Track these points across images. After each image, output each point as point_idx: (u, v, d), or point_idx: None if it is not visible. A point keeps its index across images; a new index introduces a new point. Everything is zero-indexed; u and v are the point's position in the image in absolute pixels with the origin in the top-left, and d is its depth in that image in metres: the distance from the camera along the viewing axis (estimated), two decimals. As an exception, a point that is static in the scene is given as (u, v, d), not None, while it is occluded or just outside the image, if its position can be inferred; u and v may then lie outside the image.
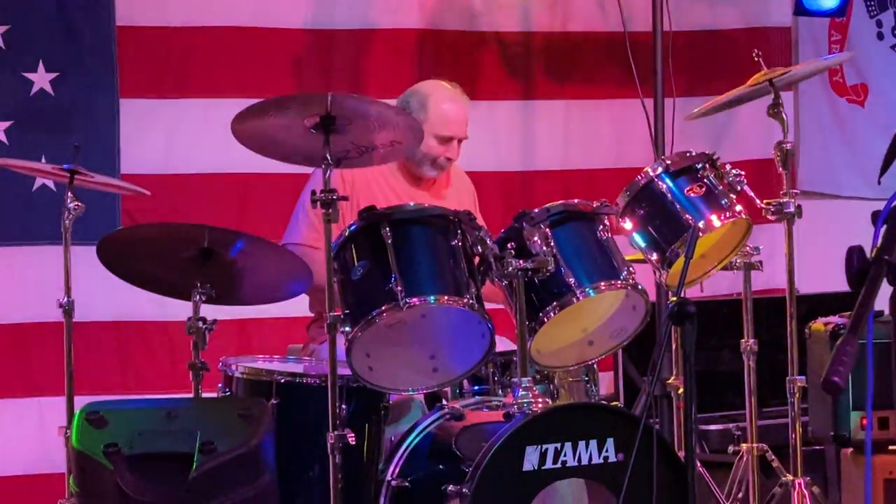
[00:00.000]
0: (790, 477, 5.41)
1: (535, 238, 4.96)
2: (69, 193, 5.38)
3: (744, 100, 5.76)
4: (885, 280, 2.64)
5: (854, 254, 2.65)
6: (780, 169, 5.51)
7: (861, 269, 2.62)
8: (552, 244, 4.97)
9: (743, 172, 5.25)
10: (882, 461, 3.83)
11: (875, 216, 2.66)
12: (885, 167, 2.77)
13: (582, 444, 4.70)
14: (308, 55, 6.95)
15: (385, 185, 5.80)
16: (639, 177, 5.21)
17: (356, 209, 5.04)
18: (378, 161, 5.29)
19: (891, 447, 3.34)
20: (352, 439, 4.82)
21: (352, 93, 6.76)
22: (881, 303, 2.68)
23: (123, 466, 4.53)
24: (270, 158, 5.13)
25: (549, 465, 4.67)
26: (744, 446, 5.65)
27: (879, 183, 2.80)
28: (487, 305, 4.95)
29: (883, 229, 2.64)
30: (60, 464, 5.62)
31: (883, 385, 2.71)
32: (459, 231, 4.92)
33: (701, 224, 5.09)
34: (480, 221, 5.43)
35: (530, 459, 4.66)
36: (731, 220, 5.17)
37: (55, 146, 6.26)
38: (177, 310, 5.58)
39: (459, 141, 5.82)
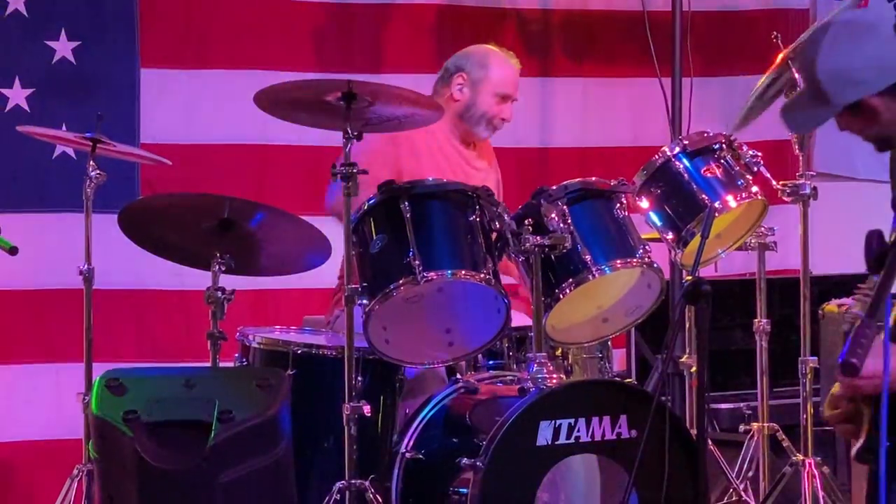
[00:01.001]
0: (800, 457, 5.43)
1: (553, 215, 4.97)
2: (91, 162, 5.41)
3: (773, 89, 5.74)
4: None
5: (874, 237, 2.67)
6: (797, 150, 5.52)
7: (880, 252, 2.64)
8: (569, 221, 4.99)
9: (759, 153, 5.26)
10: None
11: (895, 200, 2.68)
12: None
13: (595, 419, 4.72)
14: (328, 28, 6.94)
15: (435, 145, 5.80)
16: (656, 156, 5.22)
17: (402, 169, 5.05)
18: (397, 129, 5.33)
19: (901, 429, 3.37)
20: (367, 411, 4.86)
21: (370, 67, 6.81)
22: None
23: (142, 433, 4.55)
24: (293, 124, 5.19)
25: (562, 440, 4.69)
26: (754, 426, 5.67)
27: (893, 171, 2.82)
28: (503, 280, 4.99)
29: (903, 214, 2.67)
30: (77, 430, 5.66)
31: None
32: (478, 206, 4.94)
33: (717, 204, 5.11)
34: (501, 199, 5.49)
35: (544, 434, 4.68)
36: (746, 200, 5.19)
37: (75, 114, 6.26)
38: (195, 279, 5.62)
39: (512, 103, 5.87)
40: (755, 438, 5.65)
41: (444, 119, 5.50)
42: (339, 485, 4.82)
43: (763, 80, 5.63)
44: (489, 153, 6.04)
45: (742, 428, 5.80)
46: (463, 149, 5.88)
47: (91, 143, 5.41)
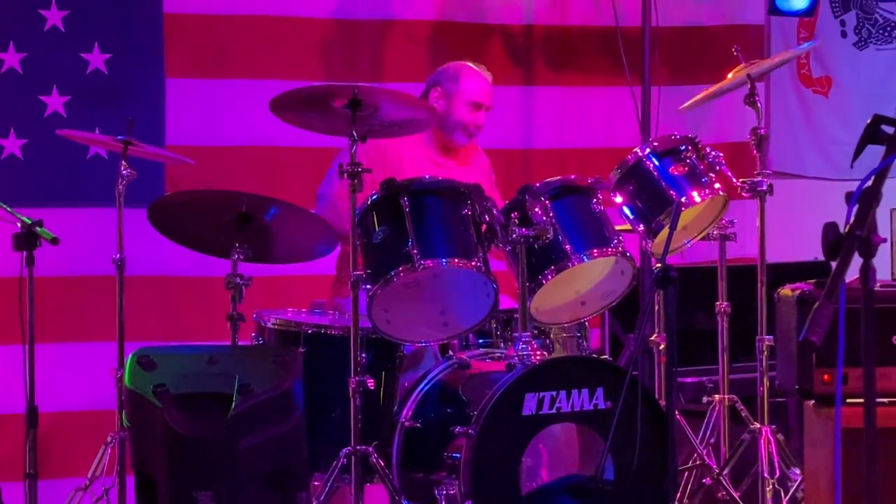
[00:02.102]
0: (757, 425, 5.42)
1: (536, 209, 4.98)
2: (122, 162, 5.38)
3: (726, 91, 5.76)
4: (856, 253, 2.66)
5: (829, 229, 2.67)
6: (755, 151, 5.50)
7: (835, 242, 2.64)
8: (551, 215, 4.99)
9: (721, 154, 5.26)
10: (842, 412, 3.85)
11: (848, 196, 2.67)
12: (856, 154, 2.77)
13: (575, 392, 4.73)
14: (334, 42, 6.93)
15: (416, 156, 5.81)
16: (628, 156, 5.22)
17: (388, 175, 5.06)
18: (397, 134, 5.33)
19: (849, 400, 3.38)
20: (370, 384, 4.86)
21: (372, 76, 6.80)
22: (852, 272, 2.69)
23: (171, 404, 4.56)
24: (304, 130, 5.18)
25: (545, 410, 4.70)
26: (716, 397, 5.66)
27: (852, 167, 2.81)
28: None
29: (855, 208, 2.66)
30: (111, 401, 5.63)
31: (847, 345, 2.72)
32: (469, 201, 4.95)
33: (683, 199, 5.10)
34: (495, 193, 5.51)
35: (529, 405, 4.68)
36: (710, 196, 5.19)
37: (107, 119, 6.23)
38: (215, 267, 5.61)
39: (487, 110, 5.86)
40: (717, 409, 5.63)
41: (424, 132, 5.53)
42: (345, 450, 4.83)
43: (720, 84, 5.65)
44: (474, 157, 6.02)
45: (705, 399, 5.78)
46: (438, 157, 5.86)
47: (122, 145, 5.39)
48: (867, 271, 2.70)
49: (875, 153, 2.79)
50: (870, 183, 2.66)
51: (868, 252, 2.66)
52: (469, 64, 5.95)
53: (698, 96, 5.78)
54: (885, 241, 2.70)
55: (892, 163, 2.72)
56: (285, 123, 5.24)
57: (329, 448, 4.99)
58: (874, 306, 2.76)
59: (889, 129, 2.75)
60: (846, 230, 2.63)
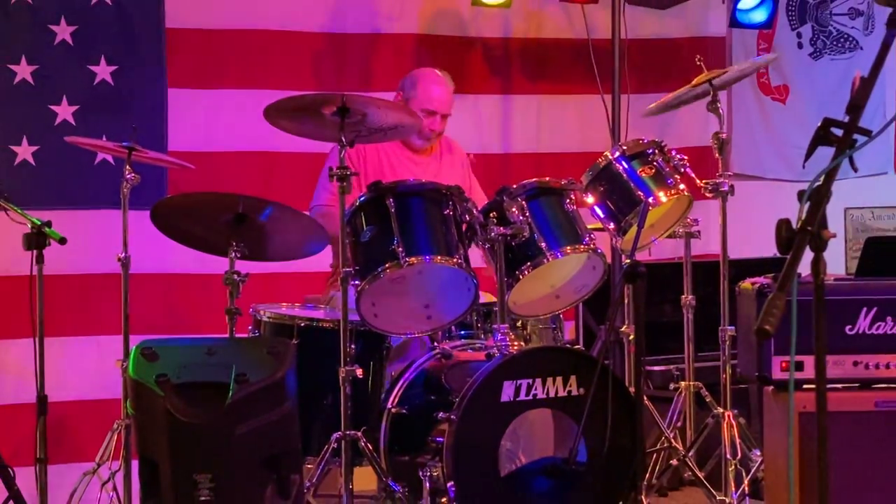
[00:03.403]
0: (720, 410, 5.42)
1: (514, 209, 4.97)
2: (127, 166, 5.37)
3: (689, 98, 5.77)
4: (807, 247, 2.66)
5: (783, 225, 2.66)
6: (717, 155, 5.51)
7: (788, 237, 2.64)
8: (527, 214, 4.99)
9: (686, 157, 5.26)
10: (798, 397, 3.86)
11: (801, 194, 2.67)
12: (808, 155, 2.77)
13: (550, 380, 4.72)
14: (324, 54, 6.93)
15: (392, 157, 5.82)
16: (599, 159, 5.22)
17: (370, 177, 5.05)
18: (383, 139, 5.33)
19: (805, 386, 3.38)
20: (359, 373, 4.86)
21: (360, 86, 6.79)
22: (804, 266, 2.69)
23: (172, 393, 4.53)
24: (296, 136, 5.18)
25: (522, 397, 4.69)
26: (682, 384, 5.67)
27: (804, 167, 2.81)
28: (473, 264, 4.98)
29: (807, 205, 2.66)
30: (115, 390, 5.63)
31: (800, 334, 2.72)
32: (451, 202, 4.94)
33: (650, 199, 5.11)
34: (476, 186, 5.50)
35: (507, 392, 4.67)
36: (675, 196, 5.19)
37: (113, 127, 6.23)
38: (214, 264, 5.59)
39: (444, 116, 5.85)
40: (683, 395, 5.64)
41: None
42: (336, 435, 4.83)
43: (683, 89, 5.65)
44: (447, 151, 6.02)
45: (672, 386, 5.80)
46: (415, 156, 5.88)
47: (127, 151, 5.38)
48: (818, 265, 2.70)
49: (826, 154, 2.79)
50: (820, 182, 2.66)
51: (818, 246, 2.66)
52: (433, 71, 5.95)
53: (664, 98, 5.79)
54: (834, 236, 2.70)
55: (842, 163, 2.72)
56: (279, 130, 5.23)
57: (321, 433, 5.00)
58: (825, 297, 2.76)
59: (838, 132, 2.75)
60: (798, 226, 2.63)
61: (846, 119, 2.78)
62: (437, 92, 5.86)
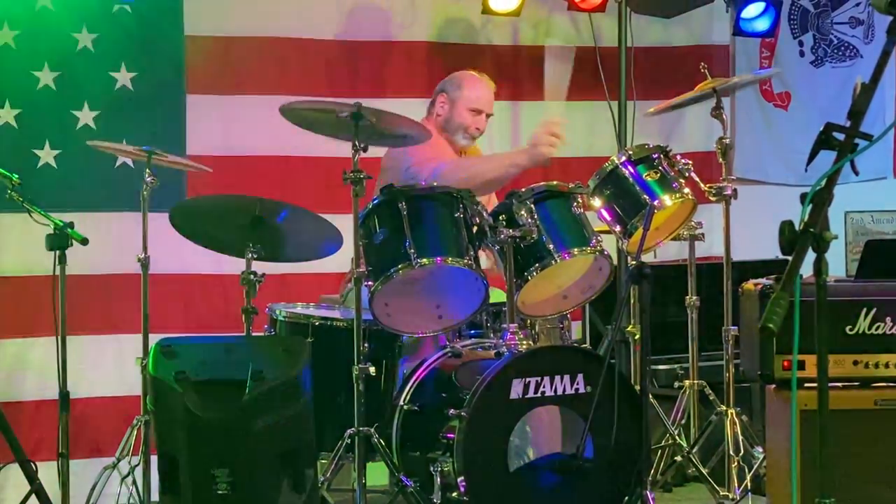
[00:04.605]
0: (724, 407, 5.43)
1: (522, 212, 4.97)
2: (147, 170, 5.39)
3: (692, 103, 5.77)
4: (810, 248, 2.66)
5: (786, 227, 2.66)
6: (720, 159, 5.51)
7: (791, 239, 2.64)
8: (536, 217, 4.99)
9: (690, 162, 5.25)
10: (799, 395, 3.85)
11: (803, 197, 2.67)
12: (810, 159, 2.77)
13: (557, 378, 4.72)
14: (339, 61, 6.93)
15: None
16: (606, 164, 5.21)
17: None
18: (395, 146, 5.34)
19: (806, 384, 3.38)
20: (372, 371, 4.86)
21: (374, 92, 6.79)
22: (806, 268, 2.69)
23: (190, 389, 4.54)
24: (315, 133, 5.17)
25: (531, 394, 4.69)
26: (686, 382, 5.67)
27: (806, 171, 2.81)
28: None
29: (809, 207, 2.66)
30: (136, 387, 5.64)
31: (802, 334, 2.72)
32: (462, 205, 4.94)
33: (656, 203, 5.09)
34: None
35: (516, 390, 4.68)
36: (680, 200, 5.18)
37: (134, 132, 6.22)
38: (231, 265, 5.60)
39: (487, 116, 5.87)
40: (687, 393, 5.65)
41: (434, 133, 5.52)
42: (349, 431, 4.83)
43: (687, 94, 5.66)
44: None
45: (676, 384, 5.80)
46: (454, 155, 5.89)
47: (147, 155, 5.39)
48: (820, 265, 2.70)
49: (827, 158, 2.79)
50: (822, 185, 2.66)
51: (821, 247, 2.66)
52: (473, 73, 5.97)
53: (663, 104, 5.79)
54: (835, 237, 2.70)
55: (843, 166, 2.72)
56: (295, 135, 5.23)
57: (335, 429, 4.99)
58: (827, 298, 2.76)
59: (840, 136, 2.75)
60: (801, 227, 2.63)
61: (848, 124, 2.78)
62: (483, 92, 5.90)
